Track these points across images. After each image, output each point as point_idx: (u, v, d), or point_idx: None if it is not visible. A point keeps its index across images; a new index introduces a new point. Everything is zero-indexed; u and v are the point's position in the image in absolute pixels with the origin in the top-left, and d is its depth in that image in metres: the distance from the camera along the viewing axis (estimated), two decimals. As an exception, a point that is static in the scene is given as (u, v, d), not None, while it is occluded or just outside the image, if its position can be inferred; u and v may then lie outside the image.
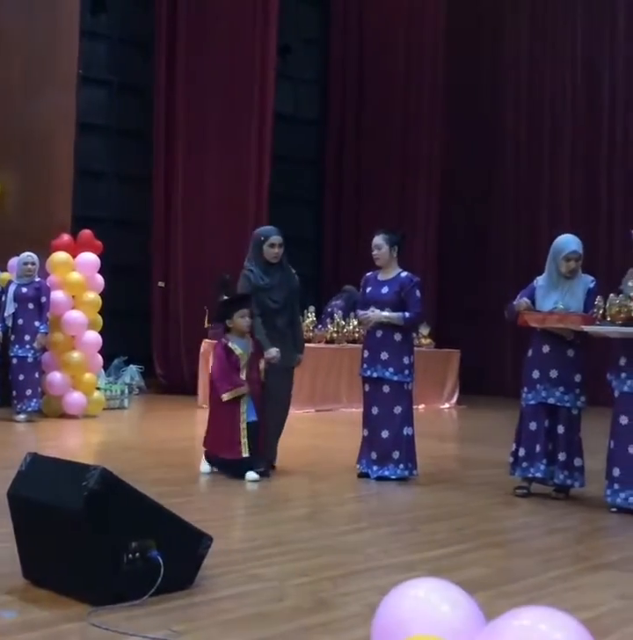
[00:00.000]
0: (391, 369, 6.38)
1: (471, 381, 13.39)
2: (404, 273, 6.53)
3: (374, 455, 6.42)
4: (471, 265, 14.79)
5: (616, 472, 5.45)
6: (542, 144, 14.29)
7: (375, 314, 6.39)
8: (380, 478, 6.31)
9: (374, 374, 6.42)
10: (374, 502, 5.68)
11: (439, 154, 14.56)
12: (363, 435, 6.54)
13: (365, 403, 6.58)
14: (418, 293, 6.48)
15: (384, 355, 6.39)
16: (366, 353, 6.51)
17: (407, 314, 6.39)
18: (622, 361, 5.49)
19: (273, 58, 12.89)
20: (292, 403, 9.96)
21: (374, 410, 6.47)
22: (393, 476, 6.34)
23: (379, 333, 6.44)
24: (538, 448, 5.88)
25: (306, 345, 11.01)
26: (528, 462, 5.92)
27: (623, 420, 5.45)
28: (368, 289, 6.58)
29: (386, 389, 6.41)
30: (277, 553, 4.23)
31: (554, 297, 5.96)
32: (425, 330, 12.81)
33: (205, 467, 6.23)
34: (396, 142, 14.51)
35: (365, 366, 6.48)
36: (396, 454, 6.37)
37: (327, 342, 11.35)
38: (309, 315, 11.31)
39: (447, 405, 12.71)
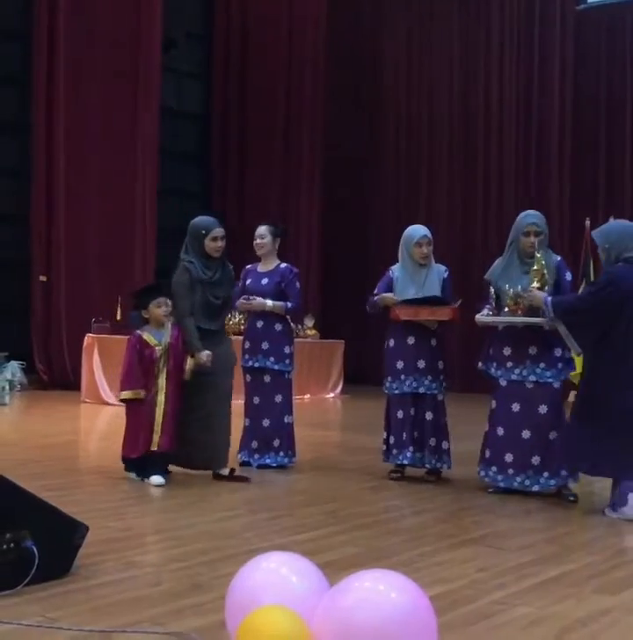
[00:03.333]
0: (272, 359, 6.52)
1: (355, 372, 13.66)
2: (284, 265, 6.68)
3: (255, 444, 6.55)
4: (354, 256, 15.06)
5: (509, 458, 5.66)
6: (421, 139, 14.65)
7: (258, 301, 6.52)
8: (261, 466, 6.46)
9: (256, 365, 6.55)
10: (253, 489, 5.81)
11: (321, 147, 14.77)
12: (245, 425, 6.66)
13: (246, 393, 6.71)
14: (297, 284, 6.65)
15: (265, 345, 6.53)
16: (247, 344, 6.63)
17: (289, 303, 6.55)
18: (507, 351, 5.68)
19: (158, 51, 12.86)
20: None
21: (256, 400, 6.61)
22: (274, 464, 6.49)
23: (260, 323, 6.57)
24: (405, 436, 6.08)
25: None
26: (398, 449, 6.12)
27: (515, 408, 5.65)
28: (248, 281, 6.71)
29: (267, 378, 6.55)
30: (154, 541, 4.33)
31: (412, 289, 6.13)
32: (310, 322, 13.00)
33: (130, 475, 5.84)
34: (279, 136, 14.69)
35: (246, 356, 6.60)
36: (276, 442, 6.53)
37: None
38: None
39: (331, 395, 12.95)
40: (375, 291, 6.31)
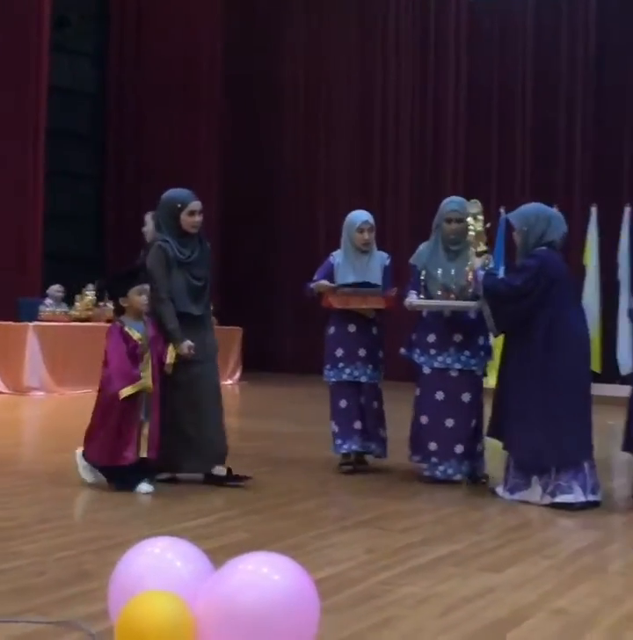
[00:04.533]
0: None
1: (254, 358, 13.67)
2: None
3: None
4: (253, 242, 15.04)
5: (433, 446, 5.63)
6: (319, 124, 14.68)
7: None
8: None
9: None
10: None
11: (219, 132, 14.69)
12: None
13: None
14: None
15: (154, 332, 6.44)
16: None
17: None
18: (431, 338, 5.65)
19: (48, 30, 12.56)
20: (69, 384, 9.81)
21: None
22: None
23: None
24: (354, 424, 5.97)
25: (86, 323, 11.04)
26: (342, 439, 5.99)
27: (439, 396, 5.63)
28: (142, 266, 6.63)
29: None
30: (40, 530, 4.25)
31: (352, 276, 6.01)
32: (207, 308, 12.93)
33: (88, 474, 5.27)
34: (176, 119, 14.53)
35: None
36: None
37: (108, 321, 11.23)
38: (88, 293, 11.20)
39: (229, 382, 12.91)
40: (315, 277, 6.16)
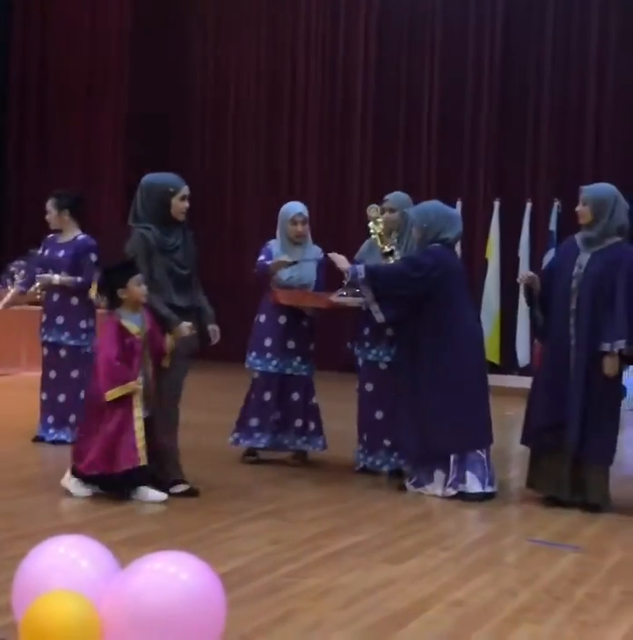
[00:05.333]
0: (67, 333, 6.40)
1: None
2: (82, 237, 6.54)
3: (51, 419, 6.44)
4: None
5: (365, 437, 5.73)
6: (226, 119, 14.56)
7: (45, 276, 6.42)
8: (56, 442, 6.33)
9: (50, 339, 6.42)
10: (50, 467, 5.66)
11: (124, 125, 14.46)
12: (41, 399, 6.53)
13: (43, 366, 6.57)
14: (92, 257, 6.49)
15: (60, 319, 6.39)
16: (44, 317, 6.51)
17: (79, 278, 6.39)
18: (366, 331, 5.70)
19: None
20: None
21: (52, 374, 6.49)
22: (69, 440, 6.35)
23: (55, 297, 6.44)
24: (271, 418, 5.92)
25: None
26: (261, 433, 5.94)
27: (369, 387, 5.72)
28: (46, 252, 6.60)
29: (63, 353, 6.43)
30: None
31: (287, 270, 5.93)
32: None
33: (80, 490, 4.82)
34: (81, 113, 14.24)
35: (43, 330, 6.49)
36: (72, 418, 6.40)
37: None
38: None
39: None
40: (262, 258, 6.01)
